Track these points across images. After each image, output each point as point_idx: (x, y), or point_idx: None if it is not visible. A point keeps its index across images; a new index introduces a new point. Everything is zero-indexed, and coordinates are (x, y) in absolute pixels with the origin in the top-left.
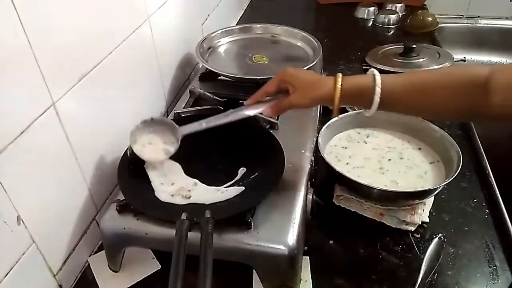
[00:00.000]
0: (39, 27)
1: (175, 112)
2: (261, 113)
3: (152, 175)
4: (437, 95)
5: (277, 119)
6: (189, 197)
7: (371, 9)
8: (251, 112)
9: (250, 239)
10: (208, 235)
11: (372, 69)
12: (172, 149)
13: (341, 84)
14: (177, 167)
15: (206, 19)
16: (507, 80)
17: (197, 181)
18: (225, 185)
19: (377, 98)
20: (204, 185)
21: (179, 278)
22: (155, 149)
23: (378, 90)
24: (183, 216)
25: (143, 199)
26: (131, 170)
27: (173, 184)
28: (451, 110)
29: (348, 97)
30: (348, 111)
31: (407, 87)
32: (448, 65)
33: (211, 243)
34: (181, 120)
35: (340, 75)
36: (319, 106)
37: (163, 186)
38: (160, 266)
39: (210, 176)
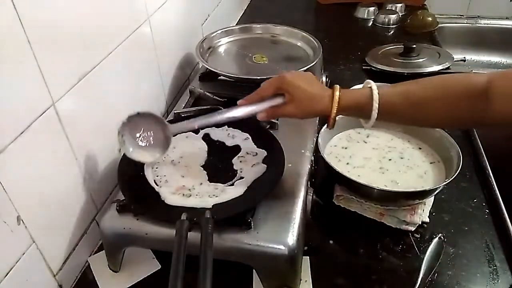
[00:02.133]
0: (39, 27)
1: (175, 112)
2: (254, 116)
3: (150, 175)
4: (435, 107)
5: (277, 119)
6: (190, 196)
7: (371, 9)
8: (244, 113)
9: (250, 239)
10: (208, 235)
11: (369, 81)
12: (164, 149)
13: (338, 100)
14: (180, 165)
15: (206, 19)
16: (507, 87)
17: (201, 180)
18: (225, 185)
19: (374, 114)
20: (204, 184)
21: (179, 278)
22: (145, 149)
23: (375, 105)
24: (183, 216)
25: (143, 199)
26: (131, 170)
27: (173, 183)
28: (451, 120)
29: (345, 112)
30: None
31: (404, 100)
32: (448, 64)
33: (211, 243)
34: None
35: (337, 88)
36: None
37: (163, 185)
38: (160, 266)
39: (210, 175)
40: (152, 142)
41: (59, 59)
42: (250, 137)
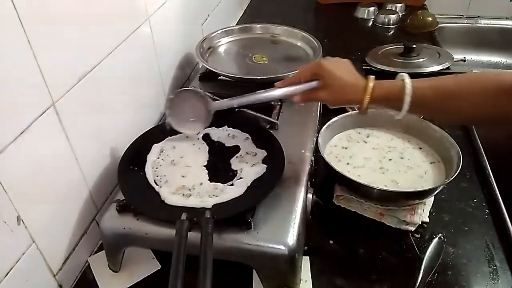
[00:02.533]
0: (39, 27)
1: None
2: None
3: (151, 175)
4: (468, 101)
5: (277, 119)
6: (190, 196)
7: (371, 9)
8: (281, 93)
9: (250, 239)
10: (208, 235)
11: (403, 74)
12: (205, 123)
13: (371, 91)
14: (180, 165)
15: (206, 19)
16: None
17: (201, 180)
18: (225, 185)
19: (406, 107)
20: (204, 184)
21: (179, 278)
22: (189, 123)
23: (408, 99)
24: (183, 216)
25: (143, 199)
26: (131, 170)
27: (173, 183)
28: (480, 115)
29: (377, 103)
30: (348, 111)
31: (436, 93)
32: (448, 64)
33: (211, 243)
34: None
35: (371, 79)
36: (319, 106)
37: (163, 185)
38: (160, 266)
39: (210, 175)
40: (195, 116)
41: (59, 59)
42: (250, 137)
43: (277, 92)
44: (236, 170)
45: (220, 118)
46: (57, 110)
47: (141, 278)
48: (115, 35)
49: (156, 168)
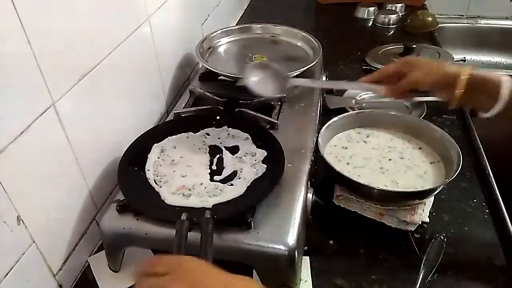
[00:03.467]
0: (39, 27)
1: (175, 112)
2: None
3: (151, 175)
4: None
5: (277, 119)
6: (190, 196)
7: (371, 9)
8: (363, 87)
9: (250, 239)
10: (208, 235)
11: (501, 73)
12: (279, 91)
13: (470, 72)
14: (180, 165)
15: (206, 19)
16: None
17: (201, 180)
18: (225, 184)
19: (501, 101)
20: (204, 184)
21: None
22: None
23: (506, 91)
24: (183, 216)
25: (143, 199)
26: (131, 170)
27: (173, 182)
28: None
29: (471, 90)
30: (348, 111)
31: None
32: None
33: (211, 243)
34: (180, 120)
35: (469, 67)
36: (319, 106)
37: (163, 185)
38: None
39: (210, 175)
40: (270, 86)
41: (59, 59)
42: (250, 137)
43: (362, 86)
44: (236, 171)
45: (220, 119)
46: (57, 110)
47: None
48: (115, 35)
49: (156, 168)
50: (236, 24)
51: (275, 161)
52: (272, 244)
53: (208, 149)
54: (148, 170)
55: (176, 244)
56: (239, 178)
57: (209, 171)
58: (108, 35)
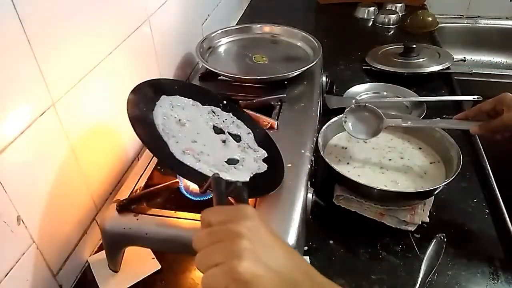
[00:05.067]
0: (39, 27)
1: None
2: (467, 130)
3: (160, 124)
4: None
5: (277, 119)
6: (199, 161)
7: (371, 9)
8: (457, 126)
9: None
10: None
11: None
12: (373, 135)
13: None
14: (187, 128)
15: (206, 19)
16: None
17: (208, 151)
18: (231, 166)
19: None
20: (211, 156)
21: None
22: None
23: None
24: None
25: (159, 148)
26: (142, 112)
27: (181, 141)
28: None
29: None
30: None
31: None
32: (448, 64)
33: None
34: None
35: None
36: (319, 106)
37: (171, 139)
38: (160, 266)
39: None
40: (366, 127)
41: (59, 59)
42: (252, 134)
43: (455, 125)
44: (239, 159)
45: (227, 104)
46: (57, 110)
47: (141, 278)
48: (115, 35)
49: (164, 119)
50: (236, 24)
51: (276, 165)
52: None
53: (212, 126)
54: (157, 117)
55: (217, 201)
56: (242, 166)
57: (217, 146)
58: (108, 35)
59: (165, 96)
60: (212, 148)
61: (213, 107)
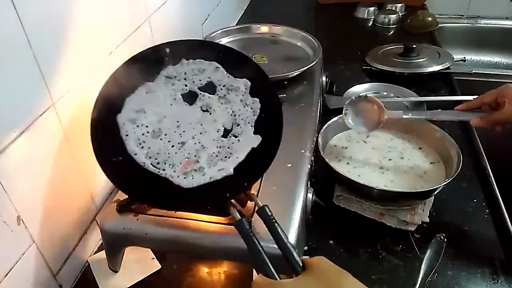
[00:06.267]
0: (39, 27)
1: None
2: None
3: (143, 159)
4: None
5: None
6: (204, 170)
7: (371, 9)
8: (458, 117)
9: None
10: (272, 224)
11: None
12: (374, 127)
13: None
14: (167, 131)
15: (206, 19)
16: None
17: (202, 141)
18: (228, 139)
19: None
20: (207, 145)
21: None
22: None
23: None
24: (233, 211)
25: (154, 193)
26: (117, 162)
27: (174, 159)
28: None
29: None
30: None
31: None
32: (448, 64)
33: (277, 230)
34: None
35: None
36: (319, 106)
37: (166, 167)
38: (160, 266)
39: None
40: (367, 119)
41: (59, 59)
42: (220, 66)
43: (456, 116)
44: (230, 115)
45: (171, 52)
46: (57, 110)
47: (141, 278)
48: (115, 35)
49: (142, 147)
50: (236, 24)
51: (260, 90)
52: (272, 244)
53: (181, 98)
54: (136, 154)
55: (256, 259)
56: (238, 126)
57: (203, 121)
58: (108, 35)
59: (119, 115)
60: (203, 134)
61: (162, 72)
